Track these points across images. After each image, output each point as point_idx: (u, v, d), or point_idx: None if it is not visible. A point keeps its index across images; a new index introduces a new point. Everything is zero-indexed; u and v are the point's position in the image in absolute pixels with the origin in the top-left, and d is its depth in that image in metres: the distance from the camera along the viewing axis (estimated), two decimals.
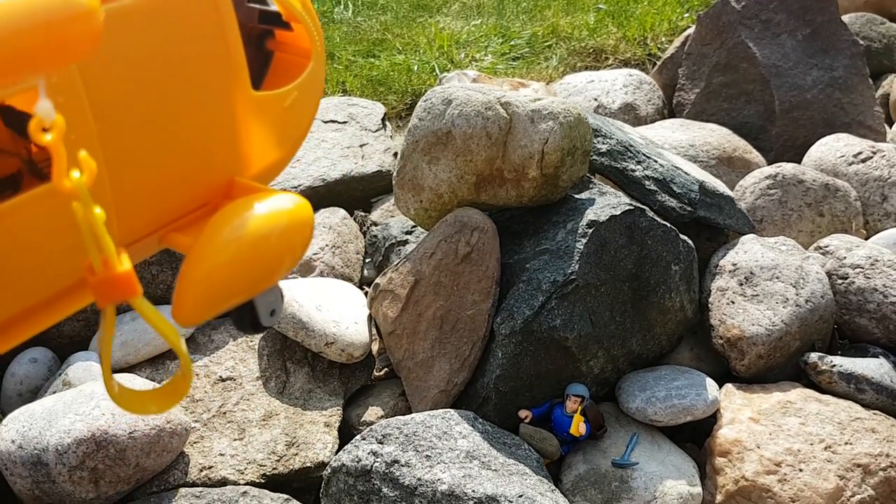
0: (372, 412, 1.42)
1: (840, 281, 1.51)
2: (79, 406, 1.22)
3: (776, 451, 1.30)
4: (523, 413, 1.33)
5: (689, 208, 1.48)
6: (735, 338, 1.41)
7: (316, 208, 1.81)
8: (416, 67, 2.44)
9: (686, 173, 1.54)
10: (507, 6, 2.83)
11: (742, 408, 1.37)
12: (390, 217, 1.83)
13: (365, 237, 1.79)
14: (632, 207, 1.37)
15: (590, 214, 1.36)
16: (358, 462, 1.22)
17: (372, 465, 1.22)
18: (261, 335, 1.46)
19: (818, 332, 1.46)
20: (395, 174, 1.51)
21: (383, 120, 2.11)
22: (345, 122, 2.03)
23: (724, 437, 1.33)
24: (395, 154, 2.00)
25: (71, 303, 0.41)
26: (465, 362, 1.36)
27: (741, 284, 1.46)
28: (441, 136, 1.40)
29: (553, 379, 1.36)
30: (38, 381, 1.44)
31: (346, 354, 1.42)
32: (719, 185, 1.60)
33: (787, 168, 1.71)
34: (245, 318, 0.47)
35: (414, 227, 1.69)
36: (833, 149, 1.84)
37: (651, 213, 1.39)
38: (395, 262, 1.50)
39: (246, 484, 1.26)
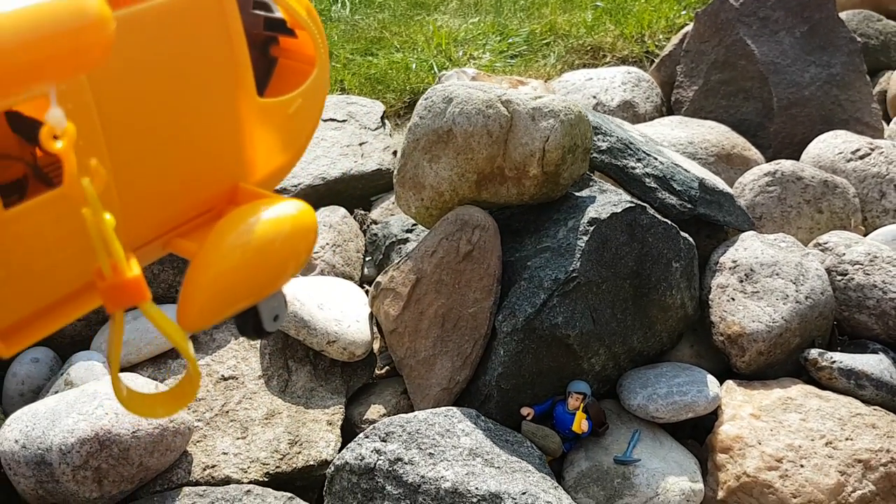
0: (374, 410, 1.43)
1: (839, 277, 1.52)
2: (82, 405, 1.22)
3: (777, 447, 1.30)
4: (525, 410, 1.34)
5: (689, 205, 1.49)
6: (736, 334, 1.42)
7: (316, 207, 1.81)
8: (414, 66, 2.44)
9: (686, 170, 1.54)
10: (505, 4, 2.83)
11: (743, 404, 1.37)
12: (390, 215, 1.84)
13: (365, 236, 1.79)
14: (633, 205, 1.37)
15: (591, 212, 1.37)
16: (361, 460, 1.23)
17: (375, 463, 1.22)
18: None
19: (818, 329, 1.47)
20: (395, 172, 1.52)
21: (382, 118, 2.11)
22: (344, 121, 2.03)
23: (726, 434, 1.33)
24: (395, 152, 2.01)
25: (77, 307, 0.41)
26: (466, 360, 1.36)
27: (741, 281, 1.46)
28: (442, 135, 1.41)
29: (555, 376, 1.36)
30: (39, 381, 1.44)
31: (348, 353, 1.42)
32: (719, 183, 1.61)
33: (785, 165, 1.71)
34: (249, 323, 0.47)
35: (414, 225, 1.69)
36: (831, 146, 1.85)
37: (652, 211, 1.40)
38: (397, 261, 1.50)
39: (249, 482, 1.26)
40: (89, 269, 0.40)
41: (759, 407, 1.36)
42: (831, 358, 1.40)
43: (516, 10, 2.79)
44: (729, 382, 1.42)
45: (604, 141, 1.52)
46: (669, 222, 1.40)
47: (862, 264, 1.51)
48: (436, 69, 2.42)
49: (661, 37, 2.56)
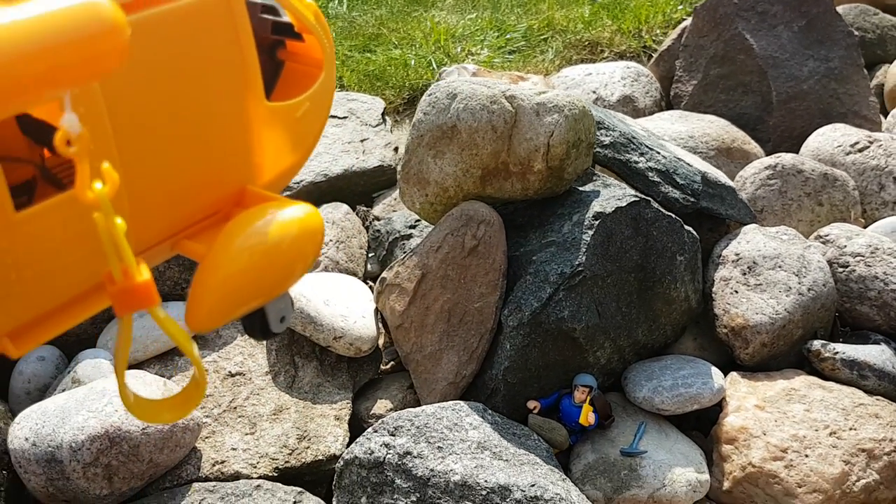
0: (381, 405, 1.43)
1: (841, 269, 1.53)
2: (91, 403, 1.22)
3: (782, 437, 1.31)
4: (532, 404, 1.35)
5: (692, 199, 1.50)
6: (739, 327, 1.43)
7: (318, 203, 1.81)
8: (412, 62, 2.45)
9: (688, 164, 1.55)
10: (502, 0, 2.84)
11: (747, 396, 1.38)
12: (392, 212, 1.84)
13: (368, 232, 1.79)
14: (637, 199, 1.38)
15: (595, 206, 1.37)
16: (371, 454, 1.23)
17: (385, 457, 1.23)
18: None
19: (820, 320, 1.48)
20: (399, 168, 1.52)
21: (383, 115, 2.12)
22: (345, 118, 2.04)
23: (731, 425, 1.34)
24: (396, 149, 2.01)
25: (85, 308, 0.42)
26: (473, 354, 1.37)
27: (744, 274, 1.47)
28: (446, 130, 1.41)
29: (560, 370, 1.37)
30: (45, 380, 1.44)
31: (355, 348, 1.42)
32: (721, 176, 1.62)
33: (786, 158, 1.72)
34: (256, 324, 0.48)
35: (417, 221, 1.70)
36: (830, 139, 1.86)
37: (656, 205, 1.40)
38: (402, 256, 1.50)
39: (259, 478, 1.27)
40: (98, 271, 0.40)
41: (764, 398, 1.37)
42: (834, 349, 1.42)
43: (513, 5, 2.80)
44: (733, 374, 1.43)
45: (607, 136, 1.53)
46: (673, 216, 1.41)
47: (863, 256, 1.52)
48: (434, 65, 2.43)
49: (658, 32, 2.57)
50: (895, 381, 1.39)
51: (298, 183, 1.83)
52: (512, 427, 1.30)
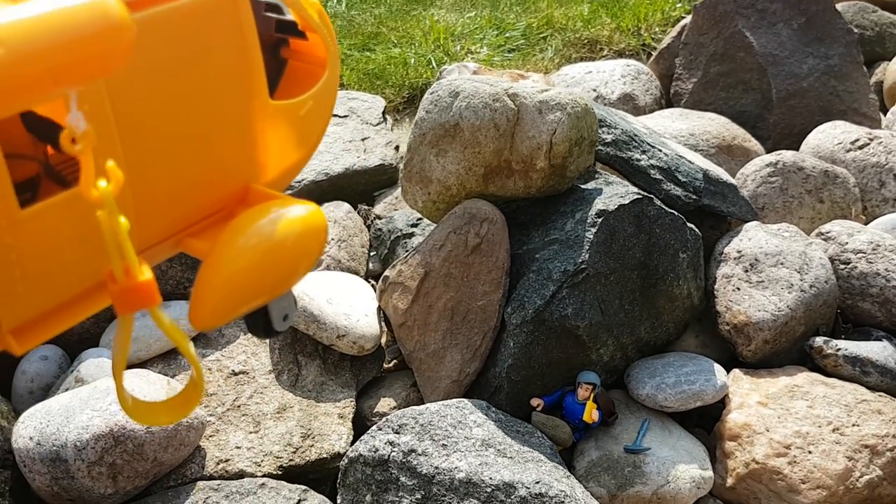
0: (384, 403, 1.43)
1: (842, 266, 1.53)
2: (95, 402, 1.22)
3: (785, 433, 1.32)
4: (535, 401, 1.35)
5: (694, 196, 1.50)
6: (741, 324, 1.43)
7: (319, 202, 1.81)
8: (412, 61, 2.45)
9: (690, 162, 1.56)
10: None
11: (750, 392, 1.39)
12: (394, 210, 1.84)
13: (369, 230, 1.79)
14: (640, 196, 1.38)
15: (598, 204, 1.38)
16: (375, 452, 1.24)
17: (389, 455, 1.23)
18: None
19: (822, 317, 1.48)
20: (402, 167, 1.52)
21: (384, 113, 2.12)
22: (345, 116, 2.04)
23: (734, 422, 1.35)
24: (397, 147, 2.01)
25: (89, 305, 0.42)
26: (476, 352, 1.37)
27: (746, 271, 1.48)
28: (449, 129, 1.41)
29: (564, 367, 1.37)
30: (48, 379, 1.44)
31: (358, 347, 1.43)
32: (722, 174, 1.62)
33: (787, 156, 1.73)
34: (259, 322, 0.48)
35: (419, 219, 1.70)
36: (830, 136, 1.87)
37: (658, 202, 1.41)
38: (404, 255, 1.51)
39: (263, 476, 1.27)
40: (101, 268, 0.40)
41: (766, 395, 1.37)
42: (836, 346, 1.42)
43: (512, 4, 2.80)
44: (735, 371, 1.43)
45: (608, 133, 1.53)
46: (676, 213, 1.42)
47: (865, 253, 1.52)
48: (434, 64, 2.43)
49: (657, 30, 2.57)
50: None
51: (300, 182, 1.83)
52: (516, 424, 1.31)
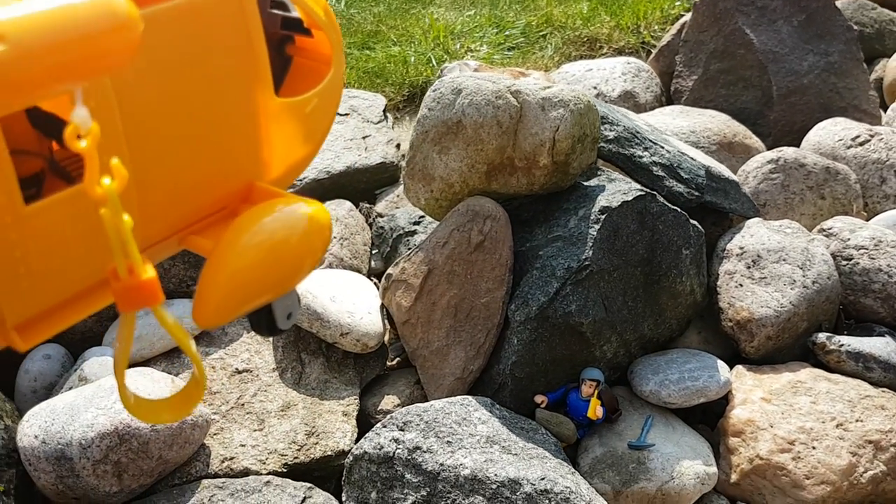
0: (388, 401, 1.43)
1: (844, 262, 1.53)
2: (100, 400, 1.22)
3: (789, 429, 1.32)
4: (539, 398, 1.35)
5: (696, 193, 1.50)
6: (744, 320, 1.43)
7: (321, 200, 1.80)
8: (412, 59, 2.45)
9: (692, 159, 1.56)
10: None
11: (753, 388, 1.39)
12: (395, 208, 1.84)
13: (371, 229, 1.79)
14: (643, 193, 1.39)
15: (601, 201, 1.38)
16: (380, 449, 1.24)
17: (394, 452, 1.23)
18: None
19: (825, 313, 1.49)
20: (404, 165, 1.52)
21: (385, 111, 2.12)
22: (346, 115, 2.04)
23: (738, 418, 1.35)
24: (398, 145, 2.01)
25: (93, 302, 0.41)
26: (480, 349, 1.37)
27: (749, 267, 1.48)
28: (451, 126, 1.41)
29: (567, 364, 1.37)
30: (51, 378, 1.44)
31: (362, 344, 1.43)
32: (724, 170, 1.62)
33: (788, 152, 1.73)
34: (262, 321, 0.48)
35: (421, 217, 1.70)
36: (831, 133, 1.87)
37: (661, 199, 1.41)
38: (407, 253, 1.51)
39: (268, 474, 1.27)
40: (106, 265, 0.40)
41: (770, 391, 1.38)
42: (839, 342, 1.42)
43: (511, 2, 2.80)
44: (738, 367, 1.44)
45: (611, 130, 1.54)
46: (679, 210, 1.42)
47: (867, 249, 1.52)
48: (434, 62, 2.43)
49: (656, 27, 2.57)
50: None
51: (301, 180, 1.83)
52: (520, 421, 1.31)
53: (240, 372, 1.41)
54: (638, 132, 1.56)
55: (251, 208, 0.45)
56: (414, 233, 1.68)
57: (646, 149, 1.53)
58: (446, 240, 1.43)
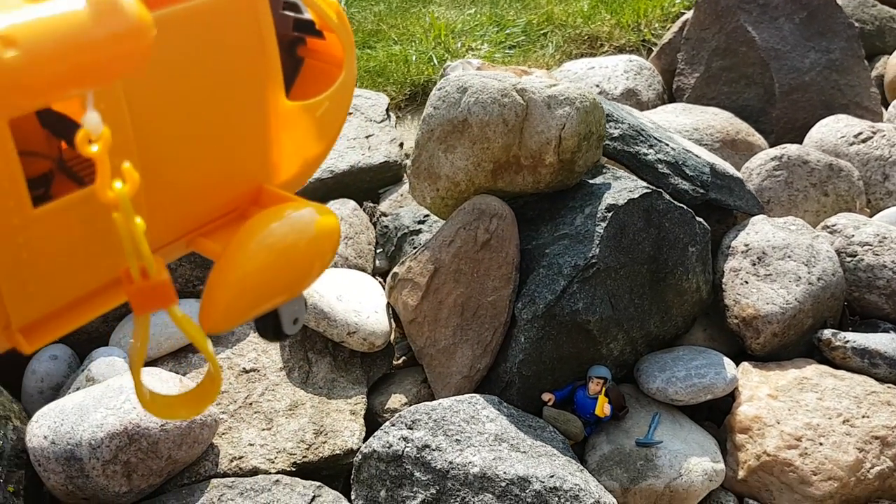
0: (395, 399, 1.44)
1: (849, 258, 1.54)
2: (109, 400, 1.22)
3: (796, 426, 1.32)
4: (546, 396, 1.35)
5: (701, 190, 1.51)
6: (750, 317, 1.44)
7: (325, 200, 1.81)
8: (414, 58, 2.45)
9: (697, 156, 1.56)
10: None
11: (760, 385, 1.39)
12: (399, 207, 1.84)
13: (375, 228, 1.79)
14: (649, 190, 1.39)
15: (608, 198, 1.38)
16: (389, 448, 1.24)
17: (403, 451, 1.23)
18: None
19: (830, 310, 1.49)
20: (410, 164, 1.52)
21: (387, 111, 2.12)
22: (350, 114, 2.04)
23: (745, 414, 1.35)
24: (401, 144, 2.01)
25: (100, 304, 0.41)
26: (487, 348, 1.37)
27: (754, 264, 1.48)
28: (457, 125, 1.41)
29: (574, 362, 1.37)
30: (58, 378, 1.44)
31: (368, 343, 1.43)
32: (728, 168, 1.63)
33: (791, 149, 1.73)
34: (269, 325, 0.47)
35: (426, 216, 1.70)
36: (833, 130, 1.87)
37: (667, 196, 1.41)
38: (413, 251, 1.51)
39: (277, 473, 1.27)
40: (112, 268, 0.40)
41: (776, 387, 1.38)
42: (844, 338, 1.43)
43: (512, 0, 2.80)
44: (745, 364, 1.44)
45: (616, 128, 1.54)
46: (685, 207, 1.42)
47: (871, 245, 1.53)
48: (435, 61, 2.43)
49: (656, 25, 2.58)
50: None
51: None
52: (527, 419, 1.31)
53: (247, 371, 1.41)
54: (643, 130, 1.56)
55: (260, 212, 0.45)
56: (419, 231, 1.69)
57: (651, 146, 1.54)
58: (452, 238, 1.44)
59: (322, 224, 0.45)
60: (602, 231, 1.34)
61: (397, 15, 2.77)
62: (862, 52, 2.07)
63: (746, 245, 1.51)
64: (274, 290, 0.44)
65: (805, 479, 1.28)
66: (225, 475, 1.27)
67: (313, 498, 1.23)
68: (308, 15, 0.55)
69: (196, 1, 0.42)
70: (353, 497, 1.26)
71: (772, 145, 1.87)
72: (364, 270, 1.67)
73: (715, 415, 1.44)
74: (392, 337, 1.53)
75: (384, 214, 1.83)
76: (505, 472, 1.19)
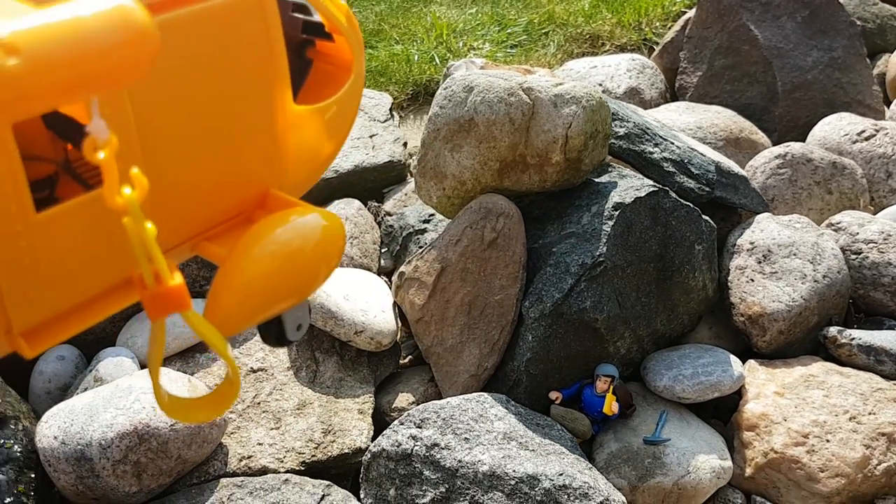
0: (402, 398, 1.44)
1: (854, 256, 1.54)
2: (118, 400, 1.22)
3: (803, 423, 1.33)
4: (554, 394, 1.36)
5: (707, 189, 1.51)
6: (756, 315, 1.44)
7: (330, 199, 1.82)
8: (416, 57, 2.45)
9: (702, 154, 1.56)
10: None
11: (766, 383, 1.40)
12: (403, 207, 1.85)
13: (380, 227, 1.80)
14: (656, 189, 1.39)
15: (614, 197, 1.38)
16: (398, 446, 1.24)
17: (412, 449, 1.23)
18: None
19: (835, 307, 1.50)
20: (416, 163, 1.53)
21: (391, 110, 2.12)
22: None
23: (751, 412, 1.36)
24: (405, 144, 2.02)
25: (102, 309, 0.41)
26: (494, 346, 1.38)
27: (760, 262, 1.49)
28: (464, 124, 1.42)
29: (581, 360, 1.38)
30: (66, 379, 1.44)
31: (376, 342, 1.43)
32: (733, 166, 1.63)
33: (795, 147, 1.74)
34: (272, 331, 0.48)
35: (431, 215, 1.71)
36: (836, 128, 1.88)
37: (674, 194, 1.42)
38: (420, 251, 1.51)
39: (286, 472, 1.27)
40: (115, 272, 0.40)
41: (783, 385, 1.39)
42: (850, 335, 1.43)
43: (513, 0, 2.80)
44: (751, 362, 1.44)
45: (621, 126, 1.54)
46: (691, 205, 1.43)
47: (876, 243, 1.53)
48: (437, 61, 2.43)
49: (657, 24, 2.58)
50: None
51: None
52: (535, 418, 1.31)
53: (255, 371, 1.41)
54: (648, 128, 1.56)
55: (265, 217, 0.44)
56: (424, 231, 1.69)
57: (656, 145, 1.54)
58: (459, 237, 1.44)
59: (327, 229, 0.45)
60: (609, 229, 1.35)
61: (398, 14, 2.77)
62: (864, 51, 2.08)
63: (752, 243, 1.51)
64: (279, 295, 0.44)
65: (812, 475, 1.28)
66: (234, 474, 1.27)
67: (323, 497, 1.23)
68: (317, 17, 0.55)
69: (203, 4, 0.41)
70: (362, 496, 1.26)
71: (775, 144, 1.88)
72: (369, 270, 1.67)
73: (721, 412, 1.44)
74: (398, 336, 1.53)
75: (389, 214, 1.83)
76: (514, 471, 1.19)
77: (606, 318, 1.34)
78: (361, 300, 1.47)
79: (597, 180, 1.45)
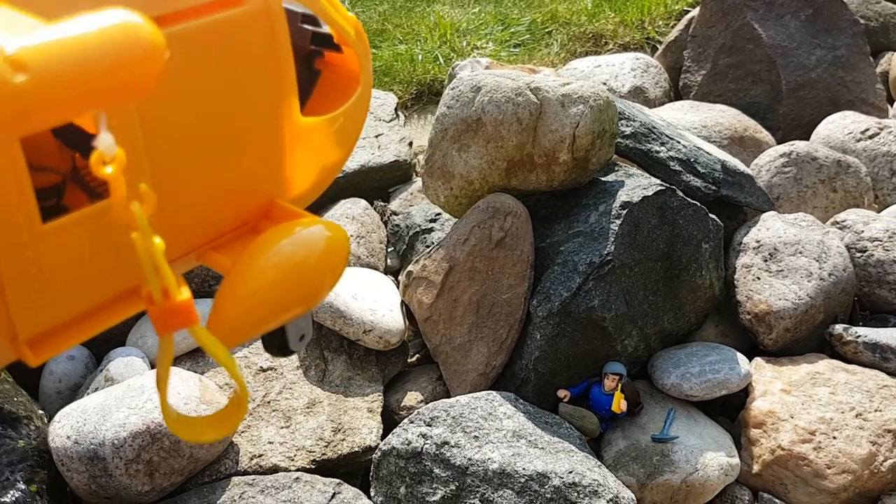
0: (411, 397, 1.45)
1: (859, 254, 1.55)
2: (130, 400, 1.23)
3: (809, 420, 1.34)
4: (562, 393, 1.36)
5: (713, 187, 1.52)
6: (763, 313, 1.45)
7: (335, 199, 1.82)
8: (419, 57, 2.46)
9: (708, 153, 1.57)
10: None
11: (773, 380, 1.40)
12: (409, 206, 1.85)
13: (386, 227, 1.80)
14: (663, 188, 1.40)
15: (622, 196, 1.39)
16: (408, 444, 1.25)
17: (422, 447, 1.24)
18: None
19: (840, 305, 1.50)
20: (423, 163, 1.53)
21: (396, 110, 2.13)
22: None
23: (759, 409, 1.37)
24: (410, 143, 2.02)
25: (105, 319, 0.42)
26: (502, 345, 1.38)
27: (766, 260, 1.50)
28: (471, 123, 1.42)
29: (589, 359, 1.39)
30: (76, 379, 1.45)
31: (384, 341, 1.44)
32: (739, 164, 1.64)
33: (800, 146, 1.75)
34: (275, 341, 0.48)
35: (438, 214, 1.71)
36: (840, 126, 1.89)
37: (681, 193, 1.42)
38: (427, 250, 1.52)
39: (297, 470, 1.28)
40: (120, 281, 0.40)
41: (789, 382, 1.39)
42: (856, 333, 1.44)
43: None
44: (758, 360, 1.45)
45: (627, 126, 1.55)
46: (698, 204, 1.43)
47: (881, 240, 1.54)
48: (441, 60, 2.44)
49: (660, 23, 2.59)
50: None
51: None
52: (544, 416, 1.32)
53: (264, 370, 1.42)
54: (654, 127, 1.57)
55: (270, 228, 0.45)
56: (431, 230, 1.70)
57: (662, 144, 1.55)
58: (467, 237, 1.45)
59: (331, 240, 0.46)
60: (617, 228, 1.36)
61: (402, 14, 2.78)
62: (867, 49, 2.08)
63: (758, 241, 1.52)
64: (283, 305, 0.44)
65: (819, 472, 1.29)
66: (245, 473, 1.28)
67: (333, 495, 1.24)
68: (326, 29, 0.56)
69: (211, 17, 0.41)
70: (372, 494, 1.27)
71: (779, 142, 1.89)
72: (376, 269, 1.68)
73: (728, 410, 1.45)
74: (406, 335, 1.54)
75: (395, 213, 1.84)
76: (524, 468, 1.20)
77: (614, 316, 1.35)
78: (370, 299, 1.48)
79: (604, 179, 1.46)
